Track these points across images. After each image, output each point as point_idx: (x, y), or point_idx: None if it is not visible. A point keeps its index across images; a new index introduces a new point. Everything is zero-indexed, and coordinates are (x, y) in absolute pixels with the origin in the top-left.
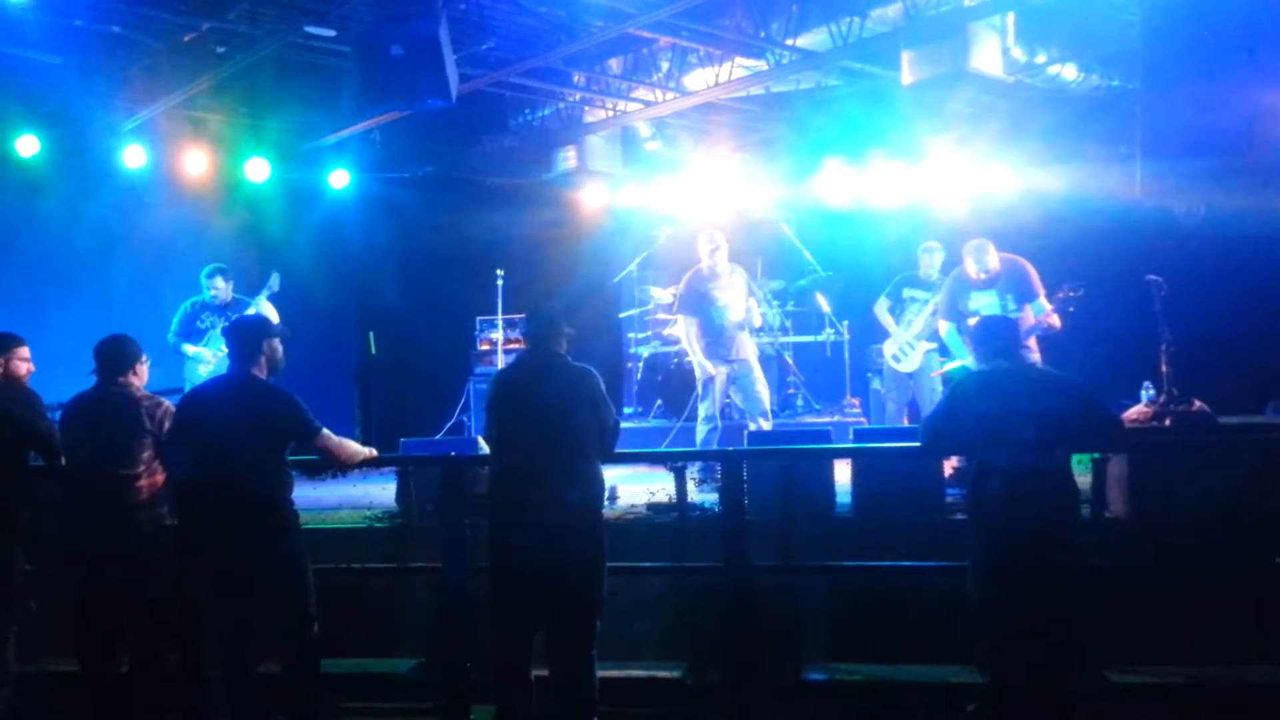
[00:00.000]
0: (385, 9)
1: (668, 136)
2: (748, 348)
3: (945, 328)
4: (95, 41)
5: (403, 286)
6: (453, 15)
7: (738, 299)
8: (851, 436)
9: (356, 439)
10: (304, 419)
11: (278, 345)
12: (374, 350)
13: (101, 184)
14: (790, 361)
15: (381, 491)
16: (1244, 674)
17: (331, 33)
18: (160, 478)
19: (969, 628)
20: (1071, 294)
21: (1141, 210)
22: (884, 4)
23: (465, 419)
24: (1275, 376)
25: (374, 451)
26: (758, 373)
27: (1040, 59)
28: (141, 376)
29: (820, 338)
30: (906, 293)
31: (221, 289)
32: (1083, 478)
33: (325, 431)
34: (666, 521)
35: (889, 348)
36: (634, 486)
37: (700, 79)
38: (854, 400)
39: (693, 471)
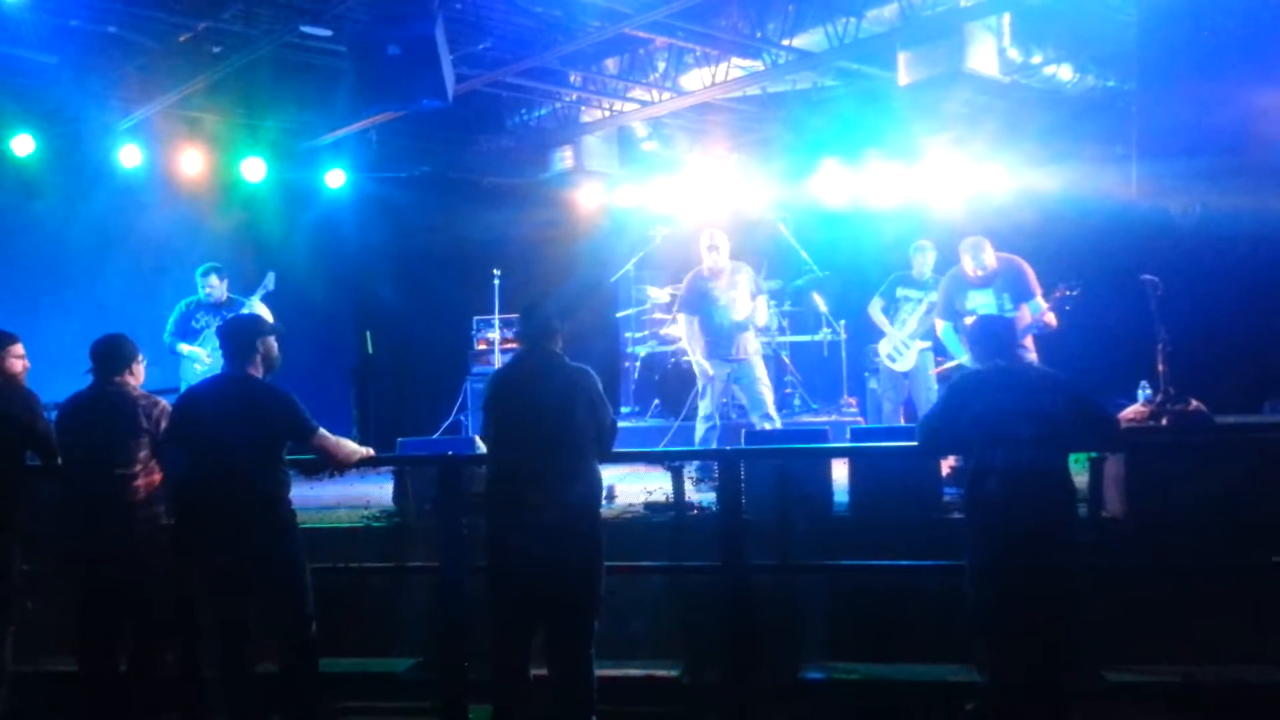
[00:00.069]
0: (381, 9)
1: (664, 136)
2: (750, 347)
3: (941, 326)
4: (91, 41)
5: (399, 286)
6: (449, 15)
7: (740, 298)
8: (849, 436)
9: (354, 438)
10: (301, 418)
11: (273, 344)
12: (371, 350)
13: (97, 183)
14: (787, 361)
15: (379, 491)
16: (1241, 673)
17: (327, 32)
18: (157, 477)
19: (966, 627)
20: (1068, 293)
21: (1138, 210)
22: (880, 4)
23: (462, 418)
24: (1272, 375)
25: (371, 451)
26: (760, 371)
27: (1036, 59)
28: (138, 376)
29: (817, 337)
30: (900, 292)
31: (216, 288)
32: (1080, 477)
33: (322, 431)
34: (664, 521)
35: (884, 347)
36: (631, 486)
37: (696, 79)
38: (851, 400)
39: (690, 471)
